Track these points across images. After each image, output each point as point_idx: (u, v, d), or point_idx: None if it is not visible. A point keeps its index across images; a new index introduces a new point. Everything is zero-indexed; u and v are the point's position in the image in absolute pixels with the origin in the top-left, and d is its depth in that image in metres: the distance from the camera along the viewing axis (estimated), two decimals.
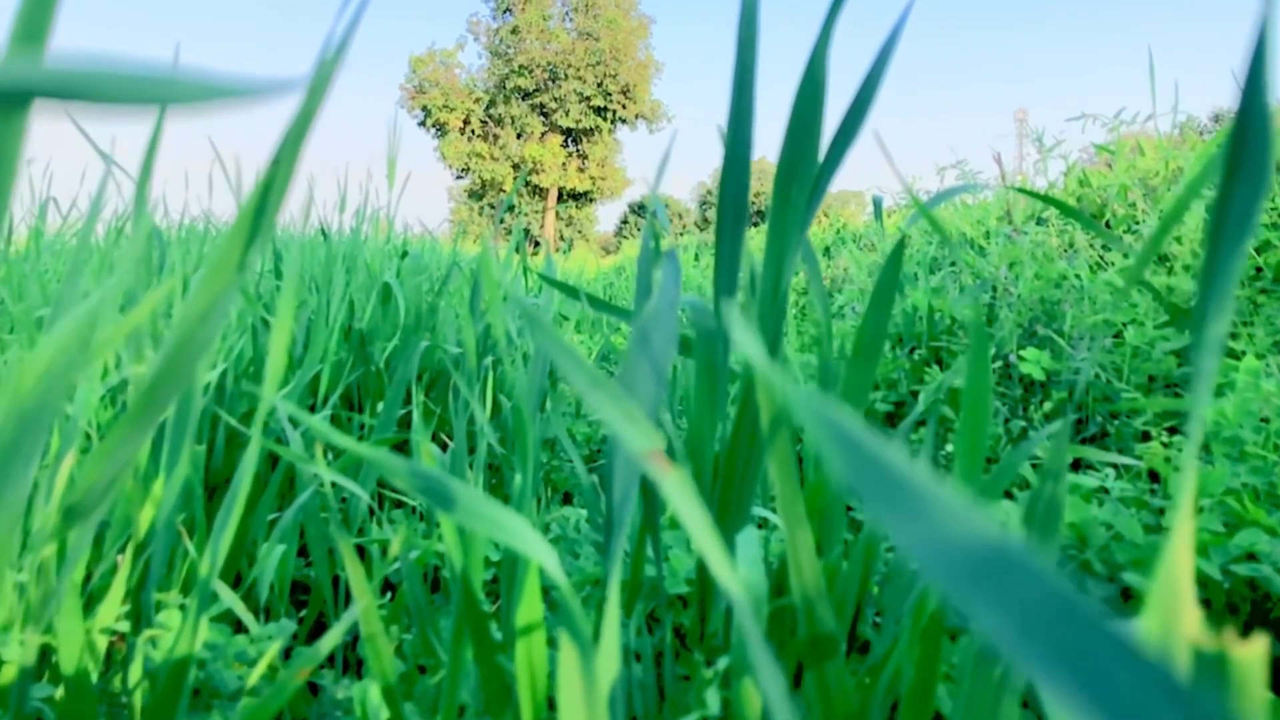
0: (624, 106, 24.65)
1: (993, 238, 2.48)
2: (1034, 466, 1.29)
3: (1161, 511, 0.99)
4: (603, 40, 23.92)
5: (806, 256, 0.90)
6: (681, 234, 11.68)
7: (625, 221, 34.06)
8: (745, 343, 0.29)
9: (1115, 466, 1.14)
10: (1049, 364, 1.66)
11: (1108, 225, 2.47)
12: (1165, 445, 1.13)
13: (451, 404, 1.19)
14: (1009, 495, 1.25)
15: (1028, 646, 0.15)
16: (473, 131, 25.26)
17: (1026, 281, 1.91)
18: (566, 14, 24.76)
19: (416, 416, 0.93)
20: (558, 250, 7.22)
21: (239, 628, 0.94)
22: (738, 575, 0.40)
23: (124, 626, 0.72)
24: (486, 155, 24.98)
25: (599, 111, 24.68)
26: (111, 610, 0.71)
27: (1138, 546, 0.89)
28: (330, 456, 1.26)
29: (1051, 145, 2.87)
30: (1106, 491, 1.06)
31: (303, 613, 1.05)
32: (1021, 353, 1.69)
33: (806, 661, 0.52)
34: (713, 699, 0.58)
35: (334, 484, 1.06)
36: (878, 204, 1.35)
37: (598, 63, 24.05)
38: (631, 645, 0.71)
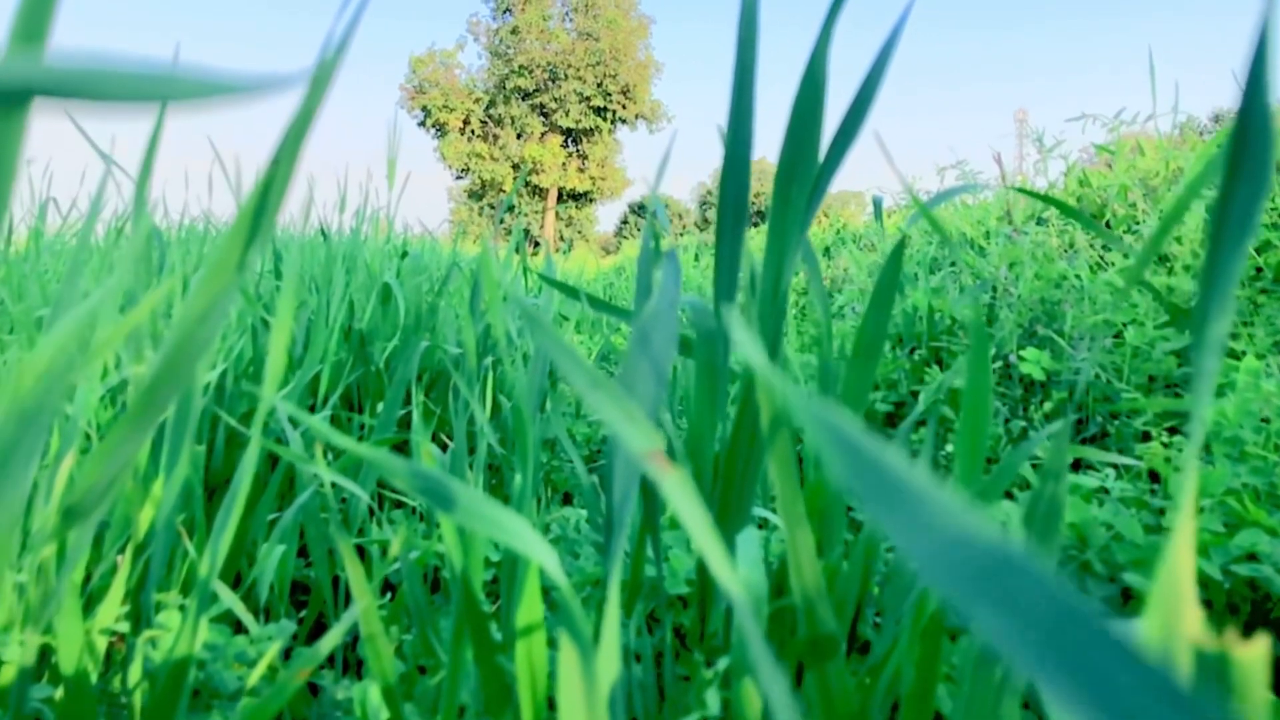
0: (624, 106, 24.65)
1: (993, 238, 2.48)
2: (1034, 467, 1.29)
3: (1162, 512, 0.99)
4: (603, 40, 23.92)
5: (806, 256, 0.90)
6: (681, 234, 11.68)
7: (625, 222, 34.06)
8: (745, 344, 0.29)
9: (1115, 467, 1.14)
10: (1049, 364, 1.66)
11: (1108, 225, 2.47)
12: (1165, 445, 1.13)
13: (451, 404, 1.19)
14: (1009, 495, 1.25)
15: (1028, 650, 0.14)
16: (473, 132, 25.26)
17: (1027, 282, 1.91)
18: (566, 14, 24.76)
19: (416, 417, 0.93)
20: (557, 250, 7.22)
21: (239, 628, 0.94)
22: (738, 575, 0.40)
23: (124, 627, 0.72)
24: (486, 155, 24.98)
25: (599, 112, 24.68)
26: (111, 611, 0.71)
27: (1138, 547, 0.89)
28: (330, 457, 1.26)
29: (1051, 145, 2.87)
30: (1107, 492, 1.06)
31: (303, 613, 1.05)
32: (1022, 353, 1.69)
33: (807, 662, 0.52)
34: (713, 699, 0.58)
35: (334, 484, 1.06)
36: (878, 204, 1.35)
37: (598, 63, 24.05)
38: (632, 645, 0.71)
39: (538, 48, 24.26)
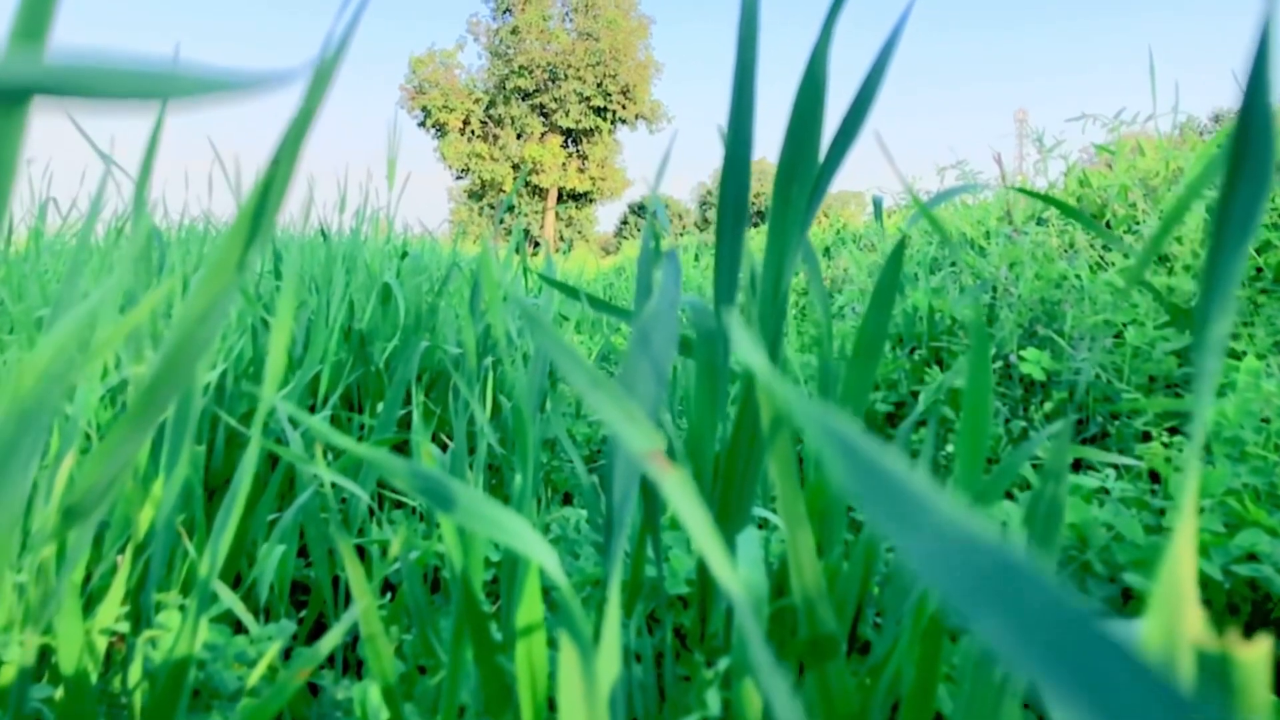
0: (624, 107, 24.65)
1: (993, 238, 2.48)
2: (1035, 467, 1.29)
3: (1162, 512, 0.99)
4: (603, 40, 23.92)
5: (806, 257, 0.90)
6: (681, 234, 11.68)
7: (625, 222, 34.06)
8: (745, 345, 0.29)
9: (1116, 467, 1.14)
10: (1049, 364, 1.66)
11: (1108, 225, 2.47)
12: (1166, 446, 1.13)
13: (451, 404, 1.19)
14: (1010, 496, 1.25)
15: (1029, 653, 0.14)
16: (472, 132, 25.26)
17: (1027, 282, 1.91)
18: (566, 14, 24.76)
19: (416, 417, 0.93)
20: (557, 251, 7.22)
21: (239, 628, 0.94)
22: (738, 576, 0.40)
23: (124, 627, 0.72)
24: (486, 156, 24.98)
25: (599, 112, 24.68)
26: (111, 611, 0.71)
27: (1139, 547, 0.89)
28: (330, 457, 1.26)
29: (1051, 145, 2.87)
30: (1107, 492, 1.06)
31: (303, 613, 1.05)
32: (1022, 353, 1.69)
33: (807, 662, 0.52)
34: (713, 700, 0.58)
35: (334, 484, 1.06)
36: (878, 204, 1.35)
37: (598, 63, 24.05)
38: (632, 646, 0.71)
39: (538, 48, 24.26)
